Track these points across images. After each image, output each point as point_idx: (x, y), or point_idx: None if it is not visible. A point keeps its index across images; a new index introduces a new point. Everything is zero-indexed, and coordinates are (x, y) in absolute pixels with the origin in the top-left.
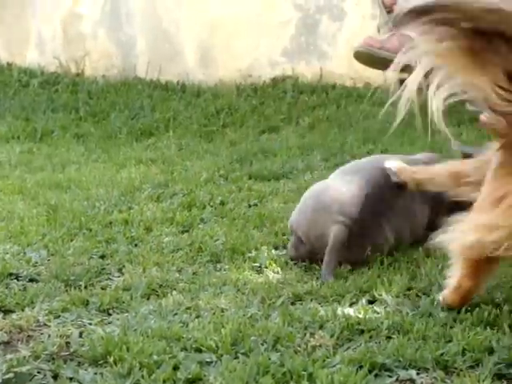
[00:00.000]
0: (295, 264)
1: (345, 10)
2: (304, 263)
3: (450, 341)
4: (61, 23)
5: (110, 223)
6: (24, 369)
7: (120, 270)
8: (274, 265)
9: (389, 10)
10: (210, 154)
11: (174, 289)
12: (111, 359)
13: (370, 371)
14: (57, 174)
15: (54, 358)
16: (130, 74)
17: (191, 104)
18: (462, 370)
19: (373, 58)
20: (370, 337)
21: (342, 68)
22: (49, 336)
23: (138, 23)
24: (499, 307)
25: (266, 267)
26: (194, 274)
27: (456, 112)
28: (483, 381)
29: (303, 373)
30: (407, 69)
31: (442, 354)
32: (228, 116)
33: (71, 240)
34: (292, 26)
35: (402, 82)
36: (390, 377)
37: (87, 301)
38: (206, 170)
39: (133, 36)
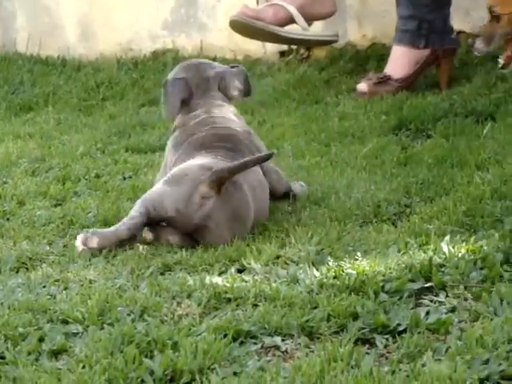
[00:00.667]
0: None
1: None
2: None
3: (315, 307)
4: None
5: None
6: None
7: None
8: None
9: None
10: (89, 128)
11: (44, 262)
12: None
13: (234, 339)
14: None
15: None
16: (10, 49)
17: (71, 78)
18: (325, 336)
19: (248, 28)
20: (237, 305)
21: (222, 40)
22: None
23: None
24: (365, 273)
25: None
26: (64, 246)
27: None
28: (345, 345)
29: (168, 341)
30: (287, 41)
31: (307, 321)
32: (108, 90)
33: None
34: None
35: (281, 53)
36: (256, 344)
37: None
38: (84, 143)
39: (12, 11)
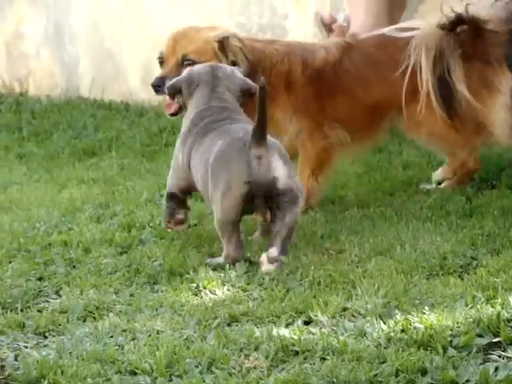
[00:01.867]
0: (232, 285)
1: (287, 28)
2: (241, 284)
3: (383, 362)
4: (4, 43)
5: (49, 244)
6: None
7: (57, 292)
8: (211, 286)
9: (328, 28)
10: (152, 174)
11: (111, 311)
12: (45, 383)
13: None
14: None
15: None
16: (73, 94)
17: (134, 123)
18: None
19: None
20: (305, 358)
21: None
22: None
23: (81, 43)
24: (433, 328)
25: (204, 288)
26: (131, 295)
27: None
28: None
29: None
30: None
31: (375, 375)
32: (171, 135)
33: (9, 262)
34: None
35: None
36: None
37: (23, 323)
38: (147, 189)
39: (76, 55)
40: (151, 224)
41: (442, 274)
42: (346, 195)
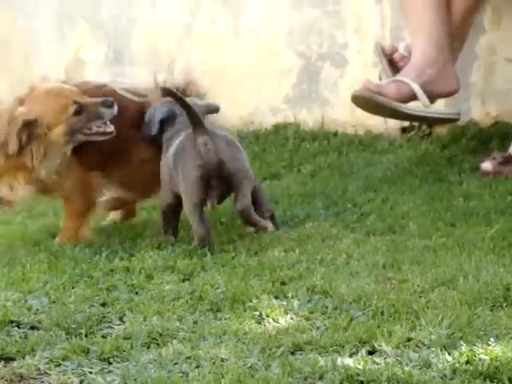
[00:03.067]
0: (295, 314)
1: (346, 57)
2: (304, 312)
3: None
4: (65, 69)
5: (112, 270)
6: None
7: (121, 319)
8: (274, 314)
9: (389, 58)
10: None
11: (175, 338)
12: None
13: None
14: (58, 220)
15: None
16: None
17: None
18: None
19: (370, 103)
20: None
21: (344, 115)
22: None
23: (140, 70)
24: (498, 359)
25: (267, 316)
26: (194, 322)
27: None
28: None
29: None
30: (408, 117)
31: None
32: None
33: (72, 287)
34: (294, 73)
35: (403, 130)
36: None
37: (88, 349)
38: (209, 216)
39: (135, 82)
40: (211, 251)
41: (506, 306)
42: (407, 225)
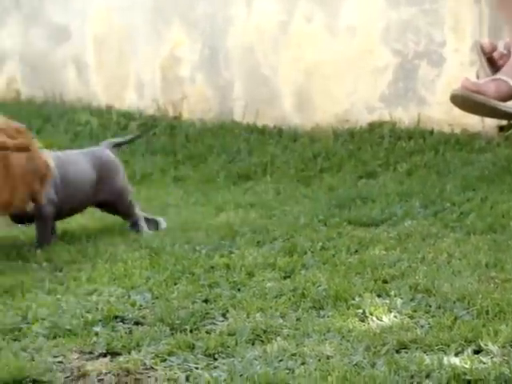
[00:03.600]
0: (399, 312)
1: (444, 55)
2: (408, 311)
3: None
4: (160, 67)
5: (212, 267)
6: None
7: (224, 315)
8: (377, 312)
9: (489, 56)
10: (309, 199)
11: (278, 335)
12: None
13: None
14: (157, 216)
15: None
16: (227, 118)
17: (288, 148)
18: None
19: (468, 102)
20: None
21: (440, 114)
22: (156, 379)
23: (236, 68)
24: None
25: (370, 314)
26: (297, 320)
27: None
28: None
29: None
30: (507, 116)
31: None
32: (325, 161)
33: (175, 284)
34: (390, 71)
35: (501, 128)
36: None
37: (193, 345)
38: (305, 215)
39: (230, 80)
40: (312, 249)
41: None
42: (508, 224)
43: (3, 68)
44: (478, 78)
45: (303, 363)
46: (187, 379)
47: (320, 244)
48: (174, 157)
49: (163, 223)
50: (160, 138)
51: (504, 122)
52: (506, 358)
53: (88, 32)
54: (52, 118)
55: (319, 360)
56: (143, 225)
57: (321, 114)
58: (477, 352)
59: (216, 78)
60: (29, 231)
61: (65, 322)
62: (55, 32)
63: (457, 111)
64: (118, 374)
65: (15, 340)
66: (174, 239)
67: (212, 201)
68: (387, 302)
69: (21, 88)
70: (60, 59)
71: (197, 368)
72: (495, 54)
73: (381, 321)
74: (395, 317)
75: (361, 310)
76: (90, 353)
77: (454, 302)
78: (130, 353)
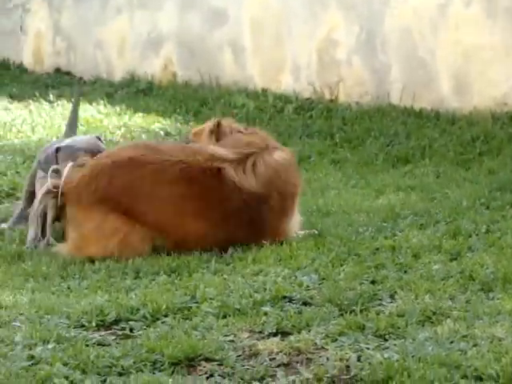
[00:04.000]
0: None
1: None
2: None
3: None
4: (316, 50)
5: (377, 249)
6: None
7: (392, 296)
8: None
9: None
10: (469, 182)
11: (448, 316)
12: None
13: None
14: (316, 198)
15: (334, 382)
16: (383, 101)
17: (446, 132)
18: None
19: None
20: None
21: None
22: (327, 359)
23: (393, 51)
24: None
25: None
26: (466, 302)
27: None
28: None
29: None
30: None
31: None
32: (484, 144)
33: (341, 265)
34: None
35: None
36: None
37: (363, 325)
38: (466, 198)
39: (387, 63)
40: (476, 232)
41: None
42: None
43: (160, 51)
44: None
45: (475, 345)
46: (358, 359)
47: (484, 227)
48: (332, 140)
49: None
50: (316, 122)
51: None
52: None
53: (245, 15)
54: (208, 101)
55: (491, 342)
56: None
57: (479, 98)
58: None
59: (373, 61)
60: None
61: (234, 302)
62: (212, 16)
63: None
64: (290, 354)
65: (185, 319)
66: (336, 221)
67: (371, 183)
68: None
69: (177, 71)
70: (216, 43)
71: (368, 348)
72: None
73: None
74: None
75: None
76: (260, 332)
77: None
78: (299, 332)
